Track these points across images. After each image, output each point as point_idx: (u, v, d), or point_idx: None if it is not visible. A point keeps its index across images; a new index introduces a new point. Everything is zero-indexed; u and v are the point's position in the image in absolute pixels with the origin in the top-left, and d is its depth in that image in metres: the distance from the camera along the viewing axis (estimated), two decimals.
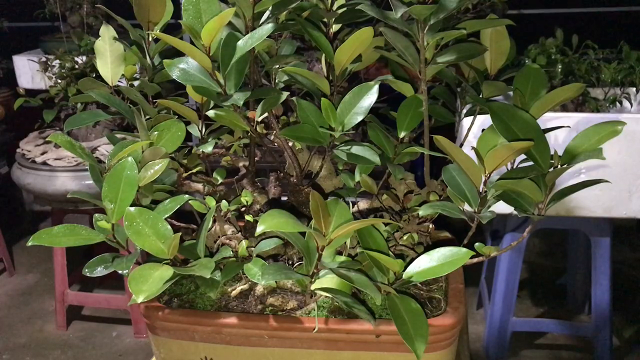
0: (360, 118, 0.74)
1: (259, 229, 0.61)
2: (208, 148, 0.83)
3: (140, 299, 0.63)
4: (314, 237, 0.65)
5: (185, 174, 0.84)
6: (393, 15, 0.67)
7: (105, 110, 0.87)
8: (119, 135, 0.81)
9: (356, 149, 0.75)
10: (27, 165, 1.88)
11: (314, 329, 0.71)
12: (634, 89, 1.55)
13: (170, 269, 0.66)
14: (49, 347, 2.06)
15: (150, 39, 0.83)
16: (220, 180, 0.86)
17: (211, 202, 0.79)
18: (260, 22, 0.70)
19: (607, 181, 0.70)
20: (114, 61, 0.84)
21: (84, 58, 1.85)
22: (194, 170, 0.85)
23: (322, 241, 0.65)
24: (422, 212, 0.73)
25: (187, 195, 0.75)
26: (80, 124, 0.83)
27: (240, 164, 0.90)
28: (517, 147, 0.62)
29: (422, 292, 0.79)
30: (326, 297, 0.74)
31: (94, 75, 1.80)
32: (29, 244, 0.67)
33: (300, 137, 0.74)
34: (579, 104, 1.52)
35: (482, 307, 2.06)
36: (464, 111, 0.90)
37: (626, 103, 1.54)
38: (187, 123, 0.81)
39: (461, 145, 0.98)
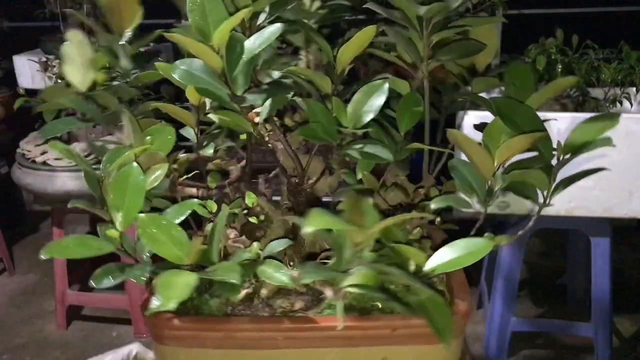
0: (371, 116, 0.74)
1: (308, 229, 0.59)
2: (209, 151, 0.82)
3: (171, 305, 0.62)
4: (352, 234, 0.64)
5: (181, 179, 0.83)
6: (396, 14, 0.68)
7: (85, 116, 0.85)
8: (98, 143, 0.80)
9: (369, 147, 0.75)
10: (27, 165, 1.88)
11: (337, 328, 0.69)
12: (634, 89, 1.55)
13: (194, 275, 0.65)
14: (49, 347, 2.06)
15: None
16: (215, 184, 0.86)
17: (212, 206, 0.78)
18: (258, 22, 0.70)
19: (606, 169, 0.71)
20: (85, 66, 0.80)
21: None
22: (190, 175, 0.84)
23: (362, 237, 0.64)
24: (434, 205, 0.73)
25: (195, 200, 0.74)
26: (55, 133, 0.80)
27: (231, 167, 0.90)
28: (531, 138, 0.64)
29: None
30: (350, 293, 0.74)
31: None
32: (43, 256, 0.65)
33: (315, 136, 0.74)
34: (579, 104, 1.52)
35: (482, 307, 2.06)
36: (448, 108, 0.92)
37: (626, 103, 1.54)
38: (180, 126, 0.80)
39: None
